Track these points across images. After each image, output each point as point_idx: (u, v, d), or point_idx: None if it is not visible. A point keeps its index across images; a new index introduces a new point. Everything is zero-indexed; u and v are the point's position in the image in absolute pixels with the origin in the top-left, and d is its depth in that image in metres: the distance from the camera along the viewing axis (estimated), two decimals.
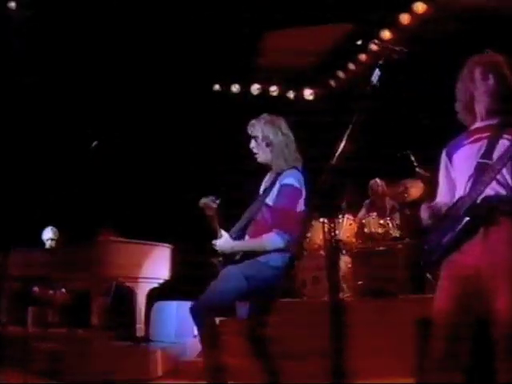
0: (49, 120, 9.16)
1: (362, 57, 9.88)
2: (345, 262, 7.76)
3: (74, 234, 8.31)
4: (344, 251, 7.87)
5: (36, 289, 8.27)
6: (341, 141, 3.73)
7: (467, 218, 3.35)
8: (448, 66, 8.15)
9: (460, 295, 3.35)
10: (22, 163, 9.13)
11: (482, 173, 3.37)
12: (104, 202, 9.27)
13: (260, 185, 4.96)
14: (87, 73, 9.20)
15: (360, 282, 7.46)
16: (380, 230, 7.85)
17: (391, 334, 6.04)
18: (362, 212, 8.73)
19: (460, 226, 3.38)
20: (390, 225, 7.89)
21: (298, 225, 4.63)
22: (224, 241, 4.67)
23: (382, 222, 7.91)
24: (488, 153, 3.42)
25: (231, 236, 4.73)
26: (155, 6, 8.77)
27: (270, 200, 4.62)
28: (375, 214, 8.09)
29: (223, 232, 4.70)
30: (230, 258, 4.68)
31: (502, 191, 3.35)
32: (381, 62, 3.86)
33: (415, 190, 8.04)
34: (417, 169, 7.96)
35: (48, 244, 8.87)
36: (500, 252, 3.24)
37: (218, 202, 4.69)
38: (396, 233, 7.81)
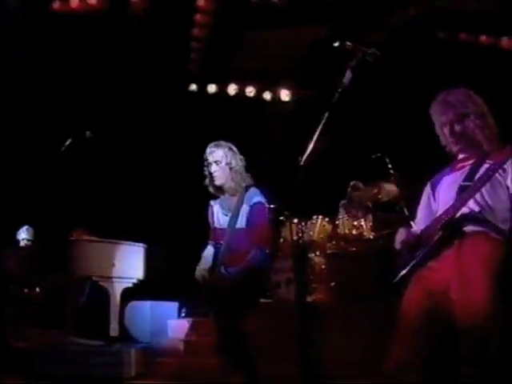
0: (22, 121, 9.12)
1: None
2: (318, 263, 7.78)
3: (49, 234, 8.30)
4: (317, 252, 7.88)
5: (11, 287, 8.23)
6: (311, 141, 3.77)
7: (441, 233, 3.39)
8: (424, 69, 8.25)
9: (427, 307, 3.39)
10: None
11: (463, 193, 3.42)
12: (78, 202, 9.25)
13: (206, 212, 5.36)
14: (61, 72, 9.18)
15: (333, 284, 7.48)
16: (354, 232, 7.87)
17: (362, 335, 6.07)
18: (342, 212, 8.70)
19: (434, 240, 3.41)
20: (364, 226, 7.90)
21: (270, 236, 5.17)
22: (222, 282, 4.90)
23: (355, 223, 7.93)
24: (470, 176, 3.49)
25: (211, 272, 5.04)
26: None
27: (241, 224, 4.98)
28: (348, 215, 8.11)
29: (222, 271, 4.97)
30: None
31: (480, 211, 3.39)
32: (352, 64, 3.91)
33: (389, 192, 8.06)
34: (391, 171, 7.99)
35: (22, 244, 8.83)
36: (472, 270, 3.28)
37: None
38: (369, 234, 7.83)
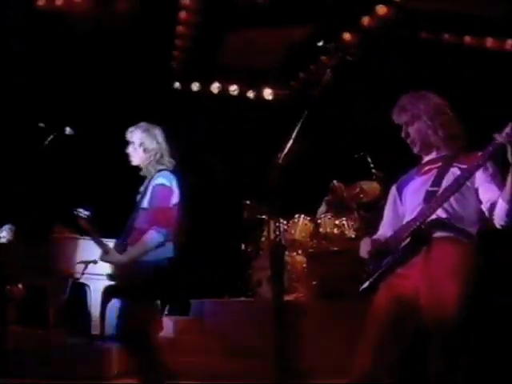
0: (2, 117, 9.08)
1: (324, 58, 9.89)
2: (299, 261, 7.80)
3: (30, 231, 8.26)
4: (299, 251, 7.91)
5: None
6: (289, 140, 3.78)
7: (409, 240, 3.40)
8: (405, 67, 8.28)
9: (396, 315, 3.39)
10: None
11: (430, 199, 3.42)
12: (60, 199, 9.20)
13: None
14: (45, 66, 9.16)
15: (314, 283, 7.50)
16: (335, 231, 7.89)
17: (343, 334, 6.09)
18: (323, 207, 8.70)
19: (402, 248, 3.43)
20: (346, 225, 7.93)
21: (173, 219, 5.00)
22: (111, 256, 4.99)
23: (337, 222, 7.96)
24: (437, 181, 3.47)
25: (116, 250, 5.02)
26: None
27: (145, 204, 5.03)
28: (330, 214, 8.13)
29: (109, 247, 5.06)
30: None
31: (448, 217, 3.39)
32: (333, 63, 3.93)
33: (372, 191, 8.08)
34: (373, 170, 8.01)
35: (3, 241, 8.78)
36: (441, 276, 3.29)
37: (86, 214, 5.19)
38: (351, 233, 7.85)
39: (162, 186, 4.98)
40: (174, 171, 5.15)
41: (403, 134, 3.73)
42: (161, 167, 5.11)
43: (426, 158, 3.71)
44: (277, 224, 3.79)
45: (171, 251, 5.00)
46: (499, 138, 3.19)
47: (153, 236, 4.82)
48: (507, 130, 3.17)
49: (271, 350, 4.31)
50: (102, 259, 5.07)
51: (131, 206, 9.32)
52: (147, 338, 4.89)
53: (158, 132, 5.19)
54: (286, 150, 3.75)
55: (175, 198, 5.02)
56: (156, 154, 5.11)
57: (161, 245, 4.85)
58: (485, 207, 3.39)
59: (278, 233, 3.72)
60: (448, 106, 3.74)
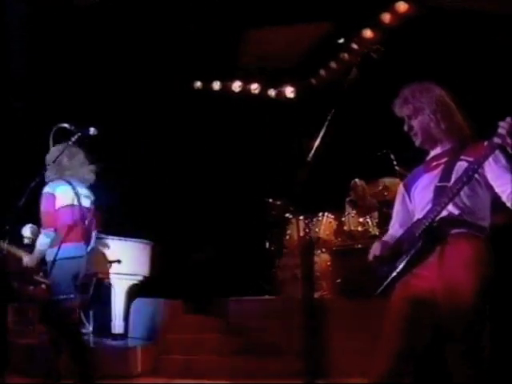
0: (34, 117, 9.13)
1: (344, 55, 9.86)
2: (324, 259, 7.79)
3: None
4: (323, 249, 7.89)
5: (16, 284, 8.21)
6: (317, 138, 3.76)
7: (422, 239, 3.37)
8: (428, 64, 8.22)
9: (414, 316, 3.35)
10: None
11: (440, 195, 3.38)
12: None
13: None
14: (63, 67, 9.19)
15: (338, 280, 7.49)
16: (359, 228, 7.88)
17: (367, 333, 6.06)
18: (348, 209, 8.70)
19: (415, 247, 3.39)
20: (370, 223, 7.91)
21: (59, 220, 5.56)
22: (29, 258, 5.65)
23: (361, 220, 7.94)
24: (446, 176, 3.42)
25: None
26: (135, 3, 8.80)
27: None
28: (354, 212, 8.12)
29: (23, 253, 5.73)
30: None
31: (460, 213, 3.35)
32: (358, 61, 3.89)
33: (395, 188, 8.03)
34: (396, 167, 7.97)
35: (26, 240, 8.81)
36: (456, 273, 3.25)
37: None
38: (375, 231, 7.82)
39: (43, 193, 5.57)
40: (69, 181, 5.69)
41: (406, 128, 3.69)
42: (54, 176, 5.70)
43: (432, 153, 3.66)
44: (306, 222, 3.75)
45: (83, 250, 5.62)
46: (497, 140, 3.16)
47: (40, 238, 5.52)
48: (500, 131, 3.14)
49: (296, 349, 4.30)
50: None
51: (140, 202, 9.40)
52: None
53: (66, 151, 5.71)
54: (315, 148, 3.71)
55: (61, 202, 5.58)
56: (57, 165, 5.67)
57: (54, 244, 5.42)
58: (506, 199, 3.33)
59: (307, 231, 3.69)
60: (451, 96, 3.70)
